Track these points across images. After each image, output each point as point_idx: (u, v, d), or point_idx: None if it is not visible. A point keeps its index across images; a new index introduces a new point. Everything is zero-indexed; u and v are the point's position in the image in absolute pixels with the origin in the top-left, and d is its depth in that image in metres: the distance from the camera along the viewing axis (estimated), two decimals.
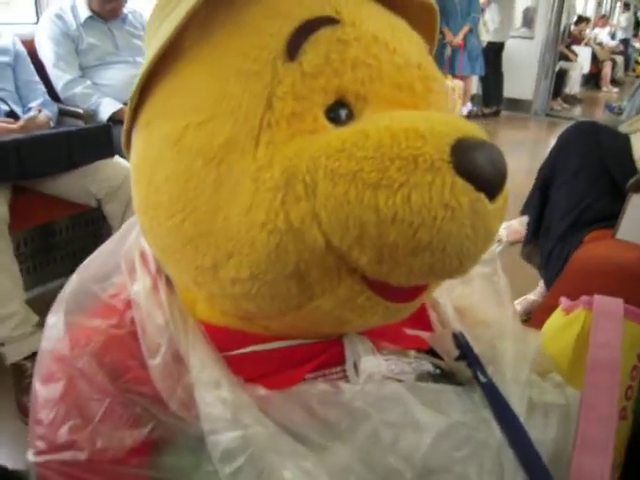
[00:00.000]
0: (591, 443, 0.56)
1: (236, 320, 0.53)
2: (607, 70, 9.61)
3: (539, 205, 1.79)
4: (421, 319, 0.61)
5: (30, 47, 2.10)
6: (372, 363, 0.53)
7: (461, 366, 0.57)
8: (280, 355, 0.53)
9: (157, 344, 0.51)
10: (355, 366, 0.53)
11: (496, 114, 6.24)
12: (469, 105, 5.93)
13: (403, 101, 0.49)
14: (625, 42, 11.27)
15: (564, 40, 7.66)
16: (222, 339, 0.53)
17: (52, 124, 1.96)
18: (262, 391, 0.49)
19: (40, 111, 1.87)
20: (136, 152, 0.52)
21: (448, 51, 5.41)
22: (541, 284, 1.93)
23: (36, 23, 2.29)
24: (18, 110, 1.90)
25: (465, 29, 5.35)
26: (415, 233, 0.41)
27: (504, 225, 2.42)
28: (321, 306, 0.47)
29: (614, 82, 9.81)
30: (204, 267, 0.48)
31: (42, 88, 2.04)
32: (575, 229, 1.54)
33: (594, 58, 9.26)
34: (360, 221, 0.41)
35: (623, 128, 1.71)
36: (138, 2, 2.40)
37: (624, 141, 1.62)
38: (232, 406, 0.47)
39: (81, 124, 2.02)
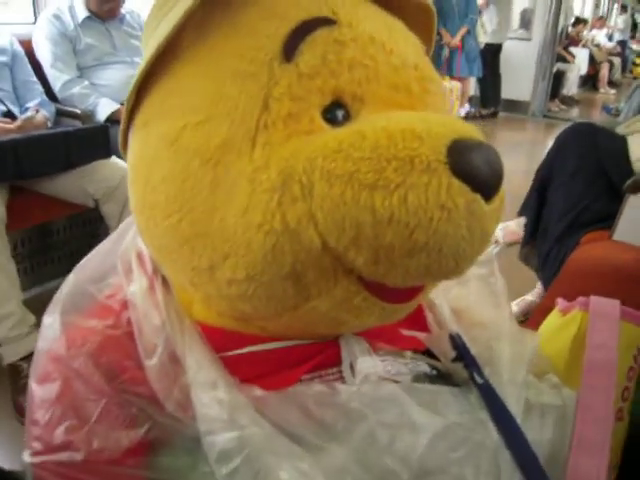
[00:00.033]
0: (587, 444, 0.56)
1: (232, 321, 0.53)
2: (604, 72, 9.63)
3: (536, 206, 1.79)
4: (417, 320, 0.61)
5: (28, 47, 2.09)
6: (368, 364, 0.53)
7: (458, 367, 0.58)
8: (276, 356, 0.53)
9: (153, 345, 0.51)
10: (351, 367, 0.53)
11: (494, 115, 6.25)
12: (467, 106, 5.94)
13: (400, 102, 0.49)
14: (622, 44, 11.28)
15: (561, 42, 7.67)
16: (218, 340, 0.52)
17: (49, 124, 1.96)
18: (258, 392, 0.49)
19: (37, 111, 1.87)
20: (133, 152, 0.52)
21: (446, 52, 5.41)
22: (539, 285, 1.93)
23: (34, 23, 2.28)
24: (15, 110, 1.90)
25: (463, 30, 5.35)
26: (411, 234, 0.41)
27: (501, 226, 2.42)
28: (317, 307, 0.47)
29: (611, 84, 9.82)
30: (200, 268, 0.47)
31: (40, 88, 2.03)
32: (572, 230, 1.55)
33: (591, 60, 9.27)
34: (356, 222, 0.41)
35: (620, 129, 1.71)
36: (136, 2, 2.39)
37: (621, 142, 1.62)
38: (228, 407, 0.47)
39: (79, 124, 2.02)
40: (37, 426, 0.50)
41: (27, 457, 0.50)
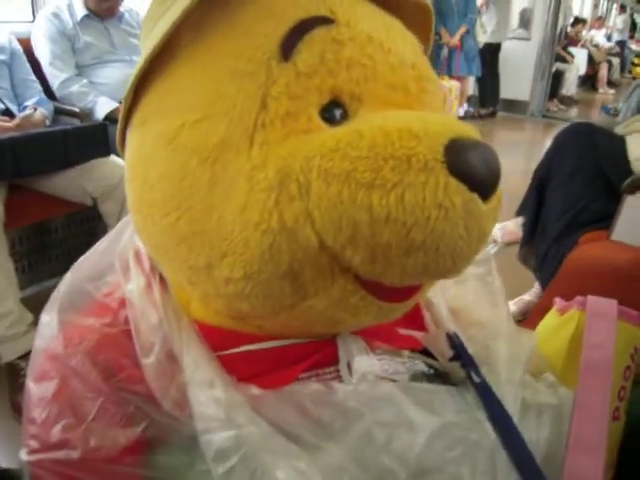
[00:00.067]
0: (584, 444, 0.56)
1: (230, 319, 0.53)
2: (603, 72, 9.63)
3: (535, 206, 1.79)
4: (415, 319, 0.61)
5: (26, 45, 2.09)
6: (365, 363, 0.53)
7: (455, 366, 0.58)
8: (273, 355, 0.53)
9: (151, 343, 0.51)
10: (349, 366, 0.53)
11: (492, 115, 6.25)
12: (465, 106, 5.94)
13: (397, 101, 0.49)
14: (621, 44, 11.30)
15: (560, 41, 7.67)
16: (216, 338, 0.53)
17: (48, 122, 1.96)
18: (255, 391, 0.49)
19: (36, 109, 1.87)
20: (130, 151, 0.52)
21: (445, 52, 5.41)
22: (537, 285, 1.93)
23: (32, 21, 2.28)
24: (14, 108, 1.90)
25: (462, 30, 5.36)
26: (408, 233, 0.41)
27: (499, 226, 2.43)
28: (314, 306, 0.47)
29: (610, 84, 9.83)
30: (198, 266, 0.48)
31: (38, 86, 2.03)
32: (570, 230, 1.55)
33: (590, 60, 9.27)
34: (353, 221, 0.41)
35: (619, 130, 1.71)
36: (135, 1, 2.39)
37: (620, 142, 1.63)
38: (225, 406, 0.47)
39: (77, 123, 2.02)
40: (34, 424, 0.50)
41: (24, 455, 0.50)
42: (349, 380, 0.52)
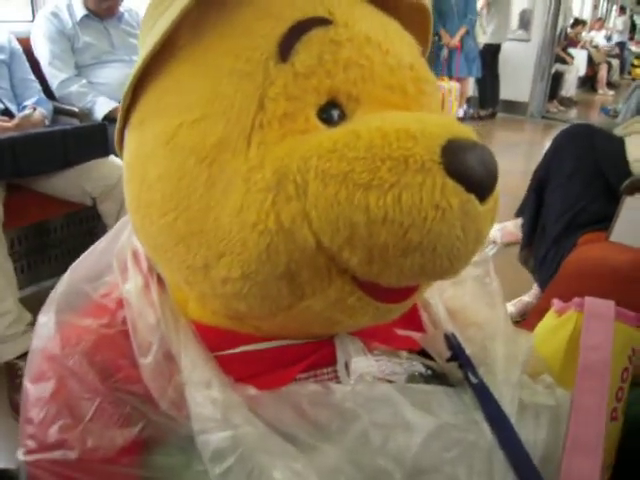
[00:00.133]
0: (581, 445, 0.56)
1: (227, 320, 0.53)
2: (603, 73, 9.63)
3: (534, 207, 1.79)
4: (412, 320, 0.61)
5: (26, 45, 2.09)
6: (363, 364, 0.53)
7: (452, 367, 0.58)
8: (271, 355, 0.53)
9: (148, 343, 0.51)
10: (346, 366, 0.53)
11: (492, 116, 6.25)
12: (465, 107, 5.94)
13: (395, 102, 0.49)
14: (621, 45, 11.30)
15: (560, 43, 7.67)
16: (213, 339, 0.53)
17: (47, 122, 1.96)
18: (252, 391, 0.49)
19: (35, 109, 1.87)
20: (129, 151, 0.52)
21: (445, 53, 5.42)
22: (535, 286, 1.94)
23: (32, 21, 2.28)
24: (13, 108, 1.90)
25: (462, 31, 5.35)
26: (405, 234, 0.41)
27: (499, 227, 2.44)
28: (311, 306, 0.47)
29: (610, 85, 9.83)
30: (195, 266, 0.48)
31: (37, 86, 2.03)
32: (569, 231, 1.55)
33: (590, 61, 9.27)
34: (350, 221, 0.41)
35: (618, 131, 1.72)
36: (134, 1, 2.39)
37: (619, 144, 1.63)
38: (222, 406, 0.47)
39: (76, 123, 2.02)
40: (31, 424, 0.50)
41: (21, 455, 0.50)
42: (347, 381, 0.52)
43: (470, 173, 0.41)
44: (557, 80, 7.26)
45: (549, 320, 0.75)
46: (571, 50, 8.21)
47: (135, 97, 0.51)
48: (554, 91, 7.12)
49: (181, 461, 0.49)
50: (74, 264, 0.60)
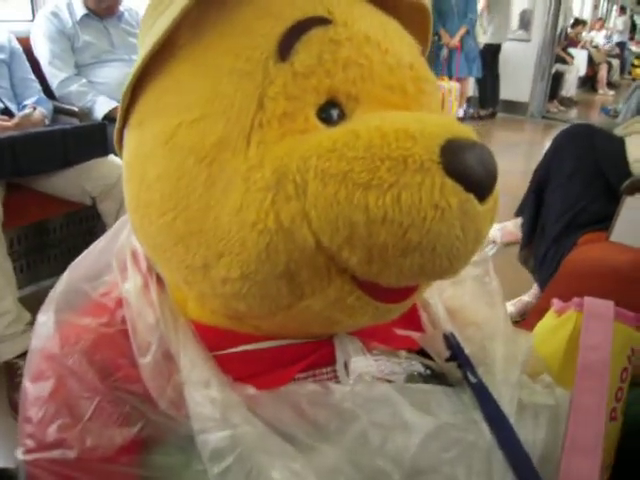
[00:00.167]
0: (580, 445, 0.56)
1: (226, 319, 0.53)
2: (603, 73, 9.63)
3: (534, 207, 1.79)
4: (412, 319, 0.61)
5: (26, 44, 2.09)
6: (362, 363, 0.53)
7: (452, 367, 0.58)
8: (270, 355, 0.53)
9: (148, 343, 0.51)
10: (345, 366, 0.53)
11: (492, 116, 6.25)
12: (465, 107, 5.94)
13: (395, 102, 0.49)
14: (621, 45, 11.30)
15: (560, 43, 7.67)
16: (212, 338, 0.52)
17: (47, 122, 1.96)
18: (251, 391, 0.49)
19: (35, 109, 1.87)
20: (128, 150, 0.52)
21: (445, 53, 5.41)
22: (535, 286, 1.94)
23: (32, 21, 2.28)
24: (13, 107, 1.90)
25: (462, 31, 5.35)
26: (405, 233, 0.41)
27: (499, 227, 2.44)
28: (311, 306, 0.47)
29: (610, 85, 9.83)
30: (195, 266, 0.48)
31: (37, 86, 2.03)
32: (570, 231, 1.55)
33: (590, 61, 9.27)
34: (350, 221, 0.41)
35: (618, 131, 1.72)
36: (134, 0, 2.39)
37: (619, 144, 1.63)
38: (221, 405, 0.47)
39: (76, 122, 2.02)
40: (30, 424, 0.50)
41: (20, 455, 0.50)
42: (346, 381, 0.52)
43: (469, 173, 0.41)
44: (557, 80, 7.26)
45: (549, 320, 0.75)
46: (571, 50, 8.21)
47: (134, 97, 0.51)
48: (554, 91, 7.11)
49: (180, 460, 0.49)
50: (73, 263, 0.60)
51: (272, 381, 0.50)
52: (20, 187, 1.77)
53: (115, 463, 0.49)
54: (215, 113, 0.45)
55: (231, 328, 0.53)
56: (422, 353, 0.59)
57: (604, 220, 1.44)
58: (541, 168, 1.80)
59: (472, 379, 0.55)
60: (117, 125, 0.54)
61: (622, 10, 13.05)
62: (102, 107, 2.11)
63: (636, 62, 11.42)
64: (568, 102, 7.75)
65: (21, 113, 1.83)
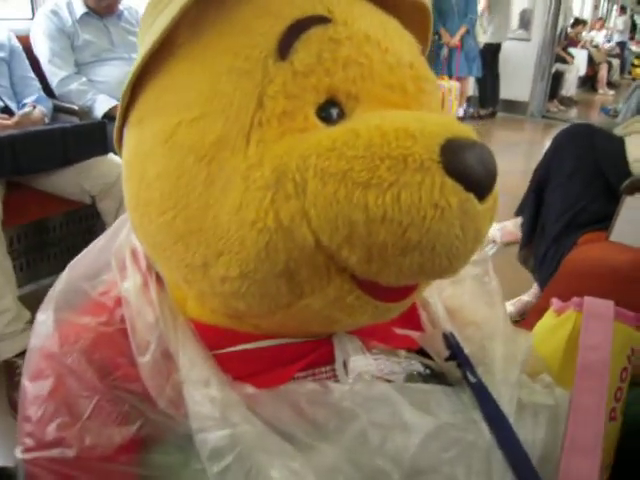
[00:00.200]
0: (580, 445, 0.56)
1: (226, 318, 0.53)
2: (603, 73, 9.63)
3: (534, 207, 1.79)
4: (411, 319, 0.61)
5: (25, 43, 2.09)
6: (361, 362, 0.53)
7: (451, 366, 0.58)
8: (270, 354, 0.53)
9: (147, 342, 0.51)
10: (345, 365, 0.53)
11: (492, 115, 6.25)
12: (465, 106, 5.94)
13: (395, 101, 0.49)
14: (621, 45, 11.30)
15: (561, 42, 7.67)
16: (212, 337, 0.52)
17: (47, 120, 1.95)
18: (251, 390, 0.49)
19: (35, 107, 1.87)
20: (128, 149, 0.52)
21: (445, 52, 5.41)
22: (535, 285, 1.94)
23: (31, 19, 2.28)
24: (13, 106, 1.90)
25: (462, 30, 5.35)
26: (404, 232, 0.41)
27: (498, 226, 2.44)
28: (310, 305, 0.47)
29: (610, 85, 9.83)
30: (194, 265, 0.47)
31: (37, 84, 2.03)
32: (569, 231, 1.55)
33: (590, 60, 9.27)
34: (349, 220, 0.41)
35: (618, 131, 1.72)
36: None
37: (619, 144, 1.63)
38: (221, 405, 0.47)
39: (76, 121, 2.02)
40: (29, 422, 0.50)
41: (19, 453, 0.50)
42: (345, 380, 0.52)
43: (469, 172, 0.41)
44: (557, 80, 7.26)
45: (548, 320, 0.75)
46: (571, 50, 8.21)
47: (134, 95, 0.51)
48: (554, 91, 7.11)
49: (179, 459, 0.49)
50: (72, 262, 0.60)
51: (271, 380, 0.50)
52: (20, 185, 1.76)
53: (114, 462, 0.49)
54: (214, 112, 0.45)
55: (230, 327, 0.53)
56: (421, 352, 0.59)
57: (604, 220, 1.44)
58: (541, 168, 1.80)
59: (471, 379, 0.55)
60: (117, 124, 0.54)
61: (622, 10, 13.05)
62: (102, 106, 2.11)
63: (636, 62, 11.43)
64: (568, 102, 7.75)
65: (21, 112, 1.82)
